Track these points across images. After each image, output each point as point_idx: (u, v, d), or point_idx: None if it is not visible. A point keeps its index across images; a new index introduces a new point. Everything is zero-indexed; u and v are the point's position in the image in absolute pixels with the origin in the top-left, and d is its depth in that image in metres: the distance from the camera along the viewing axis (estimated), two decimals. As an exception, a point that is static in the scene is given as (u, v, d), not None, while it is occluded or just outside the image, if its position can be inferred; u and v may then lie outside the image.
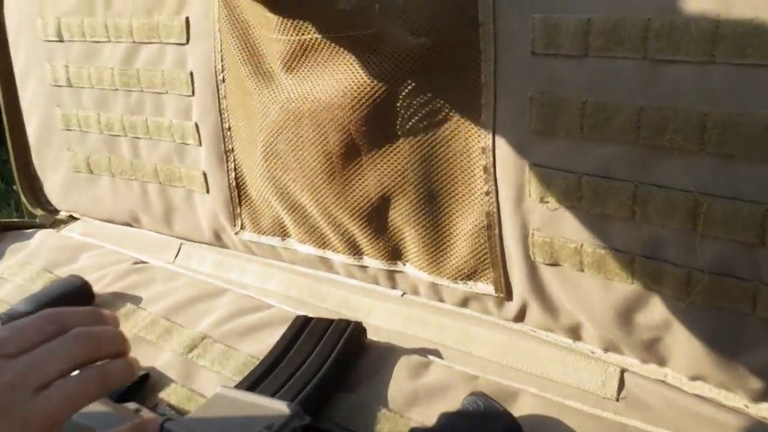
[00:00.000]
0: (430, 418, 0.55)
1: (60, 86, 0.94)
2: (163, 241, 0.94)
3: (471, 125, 0.61)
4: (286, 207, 0.77)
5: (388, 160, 0.66)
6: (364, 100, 0.63)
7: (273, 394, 0.59)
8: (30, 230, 1.04)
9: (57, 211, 1.07)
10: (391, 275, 0.75)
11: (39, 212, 1.06)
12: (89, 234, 1.00)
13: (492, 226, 0.63)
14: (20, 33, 0.98)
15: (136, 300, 0.81)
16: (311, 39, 0.64)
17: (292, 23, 0.64)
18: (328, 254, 0.78)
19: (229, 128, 0.79)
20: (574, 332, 0.64)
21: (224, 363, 0.68)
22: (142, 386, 0.66)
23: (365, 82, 0.63)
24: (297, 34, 0.64)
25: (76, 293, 0.78)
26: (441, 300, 0.72)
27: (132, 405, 0.59)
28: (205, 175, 0.84)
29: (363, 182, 0.69)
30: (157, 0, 0.80)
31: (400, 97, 0.62)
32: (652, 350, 0.58)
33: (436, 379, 0.63)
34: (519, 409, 0.58)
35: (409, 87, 0.62)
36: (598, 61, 0.52)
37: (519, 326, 0.67)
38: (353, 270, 0.77)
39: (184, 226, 0.91)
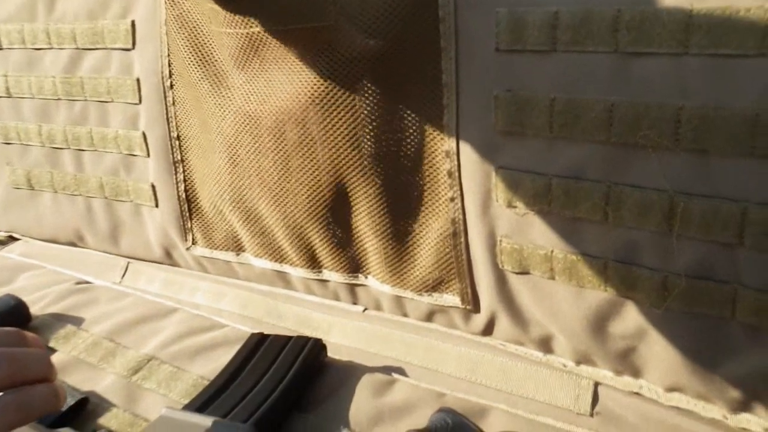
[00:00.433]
0: (396, 439, 0.51)
1: (-1, 97, 0.89)
2: (109, 261, 0.89)
3: (433, 128, 0.58)
4: (242, 218, 0.73)
5: (348, 164, 0.63)
6: (318, 101, 0.60)
7: (225, 416, 0.55)
8: (-36, 252, 0.97)
9: (-5, 231, 1.01)
10: (353, 289, 0.71)
11: (-25, 232, 1.00)
12: (29, 255, 0.94)
13: (458, 234, 0.60)
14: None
15: (77, 321, 0.76)
16: (260, 32, 0.61)
17: (244, 15, 0.60)
18: (286, 268, 0.74)
19: (178, 137, 0.75)
20: (545, 345, 0.61)
21: (172, 385, 0.63)
22: (80, 412, 0.61)
23: (319, 82, 0.60)
24: (245, 27, 0.61)
25: (10, 313, 0.72)
26: (405, 314, 0.69)
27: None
28: (153, 187, 0.79)
29: (322, 187, 0.66)
30: (102, 3, 0.76)
31: (357, 98, 0.60)
32: (627, 361, 0.56)
33: (401, 398, 0.59)
34: (489, 427, 0.55)
35: (366, 88, 0.59)
36: (566, 57, 0.50)
37: (487, 340, 0.64)
38: (312, 285, 0.74)
39: (131, 243, 0.86)
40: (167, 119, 0.75)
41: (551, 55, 0.50)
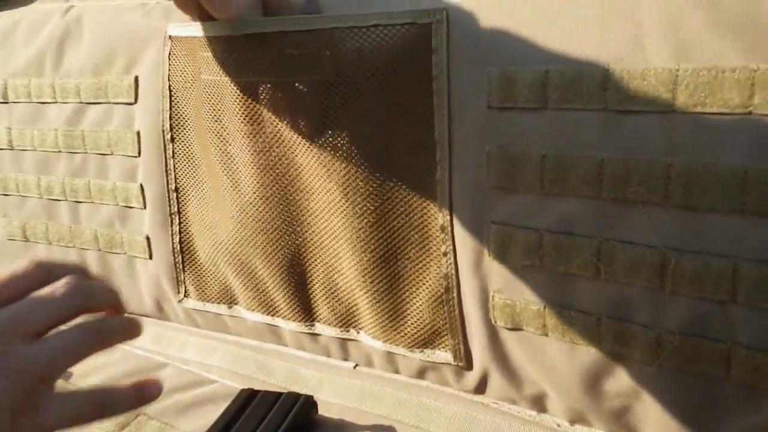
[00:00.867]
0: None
1: (0, 149, 0.90)
2: (100, 314, 0.88)
3: (426, 183, 0.59)
4: (237, 270, 0.73)
5: (342, 218, 0.63)
6: (312, 151, 0.61)
7: (210, 474, 0.53)
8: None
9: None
10: (344, 344, 0.70)
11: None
12: (21, 306, 0.93)
13: (450, 289, 0.60)
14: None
15: (65, 375, 0.74)
16: (262, 82, 0.63)
17: (245, 65, 0.62)
18: (278, 322, 0.73)
19: (176, 189, 0.75)
20: (539, 403, 0.60)
21: (158, 441, 0.62)
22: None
23: (313, 133, 0.61)
24: (244, 76, 0.63)
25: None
26: (396, 371, 0.68)
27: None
28: (148, 239, 0.79)
29: (317, 239, 0.66)
30: (107, 59, 0.78)
31: (352, 151, 0.60)
32: (622, 420, 0.55)
33: (392, 457, 0.58)
34: (481, 489, 0.54)
35: (361, 141, 0.60)
36: (556, 114, 0.51)
37: (480, 398, 0.63)
38: (303, 340, 0.73)
39: (123, 296, 0.85)
40: (166, 171, 0.75)
41: (542, 112, 0.51)
